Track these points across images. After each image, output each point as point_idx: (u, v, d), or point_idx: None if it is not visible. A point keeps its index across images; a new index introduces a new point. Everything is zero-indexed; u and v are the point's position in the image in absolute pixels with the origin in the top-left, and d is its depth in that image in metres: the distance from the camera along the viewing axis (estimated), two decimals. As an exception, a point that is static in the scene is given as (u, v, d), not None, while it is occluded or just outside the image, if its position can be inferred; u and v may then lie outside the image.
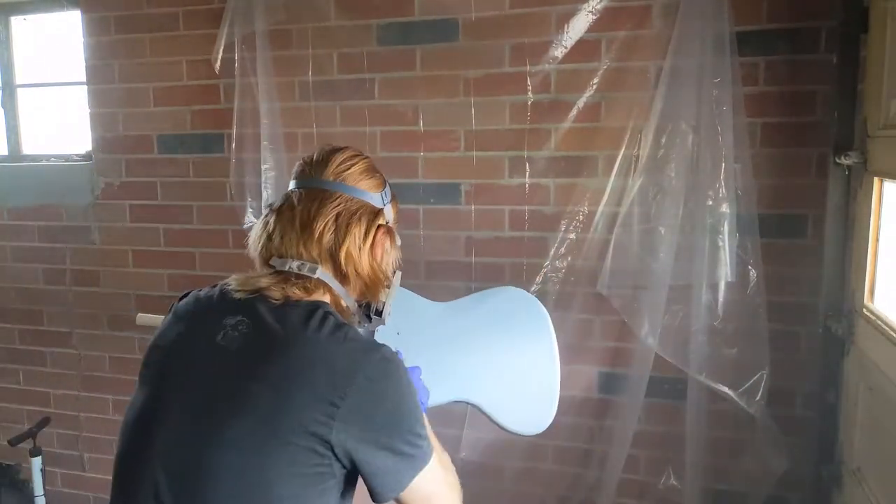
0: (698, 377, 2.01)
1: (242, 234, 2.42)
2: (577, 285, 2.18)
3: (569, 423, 2.21)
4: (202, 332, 0.98)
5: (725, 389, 1.99)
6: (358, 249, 1.04)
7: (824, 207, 1.89)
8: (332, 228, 1.03)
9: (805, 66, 1.94)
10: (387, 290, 1.13)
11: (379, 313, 1.13)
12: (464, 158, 2.26)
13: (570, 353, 2.15)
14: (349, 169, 1.08)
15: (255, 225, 1.09)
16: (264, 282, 1.00)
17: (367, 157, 1.13)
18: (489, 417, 1.48)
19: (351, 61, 2.32)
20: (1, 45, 2.87)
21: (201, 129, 2.54)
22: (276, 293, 0.98)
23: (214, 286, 1.06)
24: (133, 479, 0.94)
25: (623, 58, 2.07)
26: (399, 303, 1.18)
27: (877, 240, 1.71)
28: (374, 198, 1.09)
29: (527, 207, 2.22)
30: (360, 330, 1.08)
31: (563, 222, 2.18)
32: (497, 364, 1.50)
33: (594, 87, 2.11)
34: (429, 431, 1.09)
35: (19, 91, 2.92)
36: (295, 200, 1.05)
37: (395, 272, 1.16)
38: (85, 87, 2.66)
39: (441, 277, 2.31)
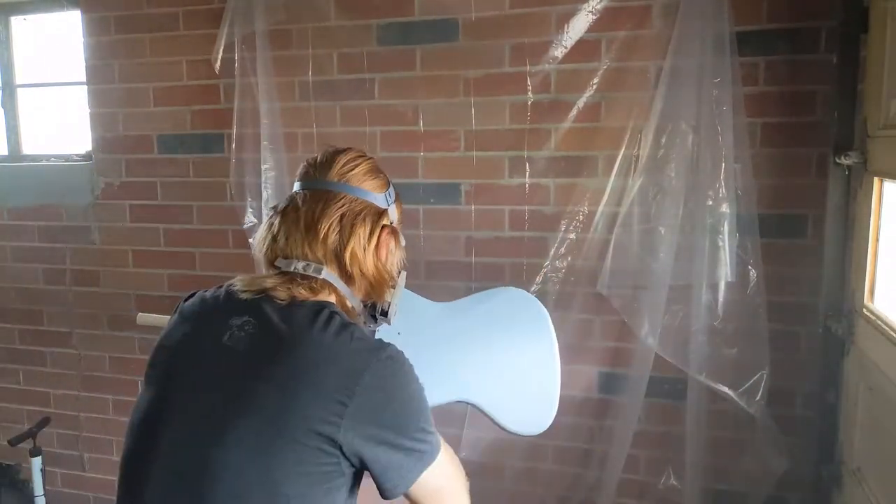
0: (698, 377, 2.01)
1: (242, 234, 2.43)
2: (577, 285, 2.18)
3: (569, 423, 2.21)
4: (208, 333, 0.98)
5: (725, 389, 1.99)
6: (363, 250, 1.04)
7: (824, 207, 1.89)
8: (337, 229, 1.03)
9: (805, 66, 1.94)
10: (392, 290, 1.13)
11: (384, 313, 1.14)
12: (464, 158, 2.26)
13: (570, 353, 2.15)
14: (353, 170, 1.08)
15: (260, 226, 1.09)
16: (270, 282, 1.00)
17: (371, 158, 1.13)
18: (489, 418, 1.48)
19: (351, 61, 2.32)
20: (1, 45, 2.87)
21: (201, 129, 2.54)
22: (281, 293, 0.98)
23: (220, 287, 1.06)
24: (139, 479, 0.94)
25: (623, 58, 2.07)
26: (399, 303, 1.18)
27: (877, 240, 1.71)
28: (379, 198, 1.09)
29: (527, 207, 2.23)
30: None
31: (563, 222, 2.18)
32: (497, 364, 1.50)
33: (594, 87, 2.11)
34: None
35: (19, 91, 2.92)
36: (300, 201, 1.05)
37: (400, 272, 1.16)
38: (85, 87, 2.66)
39: (441, 277, 2.31)
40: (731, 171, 1.95)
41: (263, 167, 2.35)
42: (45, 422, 2.45)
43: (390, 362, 0.93)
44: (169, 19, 2.50)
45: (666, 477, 2.18)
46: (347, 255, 1.03)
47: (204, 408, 0.92)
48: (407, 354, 0.98)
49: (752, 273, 1.98)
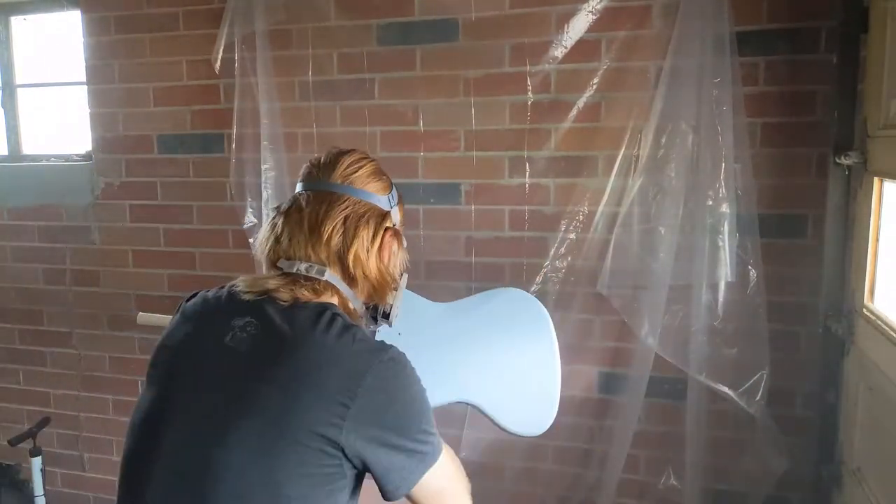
0: (698, 377, 2.01)
1: (242, 234, 2.43)
2: (577, 285, 2.18)
3: (569, 423, 2.21)
4: (210, 333, 0.98)
5: (725, 389, 1.99)
6: (366, 252, 1.04)
7: (824, 207, 1.89)
8: (341, 231, 1.03)
9: (805, 66, 1.94)
10: (394, 292, 1.14)
11: (386, 315, 1.14)
12: (464, 158, 2.26)
13: (570, 353, 2.15)
14: (357, 172, 1.08)
15: (262, 227, 1.09)
16: (273, 283, 1.00)
17: (374, 160, 1.13)
18: (490, 418, 1.48)
19: (351, 61, 2.32)
20: (1, 45, 2.87)
21: (201, 129, 2.54)
22: (284, 295, 0.98)
23: (222, 287, 1.06)
24: (140, 479, 0.94)
25: (623, 58, 2.07)
26: (401, 305, 1.18)
27: (877, 240, 1.71)
28: (382, 200, 1.09)
29: (527, 207, 2.22)
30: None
31: (563, 222, 2.18)
32: (497, 365, 1.50)
33: (594, 87, 2.11)
34: None
35: (19, 91, 2.92)
36: (303, 203, 1.05)
37: (402, 274, 1.16)
38: (85, 87, 2.66)
39: (441, 277, 2.31)
40: (731, 171, 1.95)
41: (263, 167, 2.35)
42: (45, 422, 2.45)
43: (392, 364, 0.93)
44: (169, 19, 2.50)
45: (666, 477, 2.18)
46: (350, 257, 1.03)
47: (206, 408, 0.92)
48: (407, 355, 0.98)
49: (752, 273, 1.98)
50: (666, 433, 2.16)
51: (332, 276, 1.03)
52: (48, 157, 2.85)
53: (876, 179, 1.69)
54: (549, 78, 2.15)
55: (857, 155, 1.73)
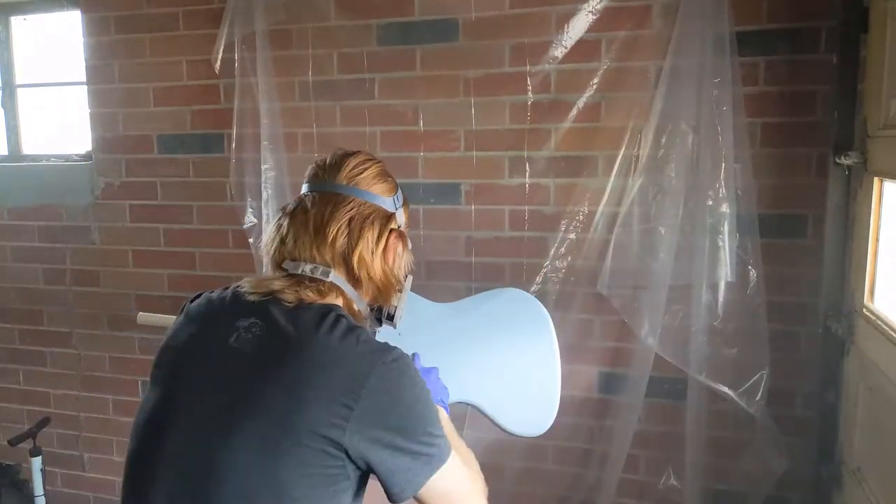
0: (698, 377, 2.01)
1: (242, 234, 2.43)
2: (577, 285, 2.18)
3: (569, 423, 2.21)
4: (214, 334, 0.99)
5: (725, 389, 1.99)
6: (371, 253, 1.04)
7: (824, 207, 1.89)
8: (346, 232, 1.03)
9: (805, 66, 1.94)
10: (399, 294, 1.14)
11: (391, 317, 1.14)
12: (464, 158, 2.26)
13: (570, 353, 2.15)
14: (362, 173, 1.08)
15: (268, 228, 1.09)
16: (277, 284, 1.00)
17: (379, 162, 1.13)
18: (490, 419, 1.48)
19: (351, 61, 2.32)
20: (1, 45, 2.87)
21: (201, 129, 2.54)
22: (289, 296, 0.98)
23: (227, 288, 1.06)
24: (144, 479, 0.94)
25: (623, 58, 2.07)
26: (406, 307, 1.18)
27: (877, 240, 1.71)
28: (387, 202, 1.09)
29: (527, 207, 2.23)
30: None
31: (563, 222, 2.18)
32: (498, 365, 1.50)
33: (594, 87, 2.11)
34: (451, 430, 1.11)
35: (19, 91, 2.92)
36: (308, 204, 1.06)
37: (406, 276, 1.16)
38: (85, 87, 2.66)
39: (441, 277, 2.31)
40: (731, 171, 1.95)
41: (263, 167, 2.35)
42: (45, 422, 2.45)
43: (396, 365, 0.93)
44: (169, 19, 2.50)
45: (666, 477, 2.18)
46: (355, 258, 1.03)
47: (210, 409, 0.92)
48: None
49: (752, 273, 1.98)
50: (666, 433, 2.16)
51: (336, 277, 1.03)
52: (48, 157, 2.85)
53: (876, 179, 1.69)
54: (549, 78, 2.15)
55: (857, 155, 1.73)
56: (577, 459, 2.27)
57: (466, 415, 2.23)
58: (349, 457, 0.89)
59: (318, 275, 1.01)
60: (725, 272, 1.98)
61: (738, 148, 1.94)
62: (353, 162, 1.09)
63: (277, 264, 1.05)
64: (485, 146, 2.24)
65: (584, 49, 2.10)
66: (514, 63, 2.17)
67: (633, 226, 2.08)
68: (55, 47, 2.84)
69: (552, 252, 2.20)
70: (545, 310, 1.60)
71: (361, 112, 2.33)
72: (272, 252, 1.06)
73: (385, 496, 0.96)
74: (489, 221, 2.27)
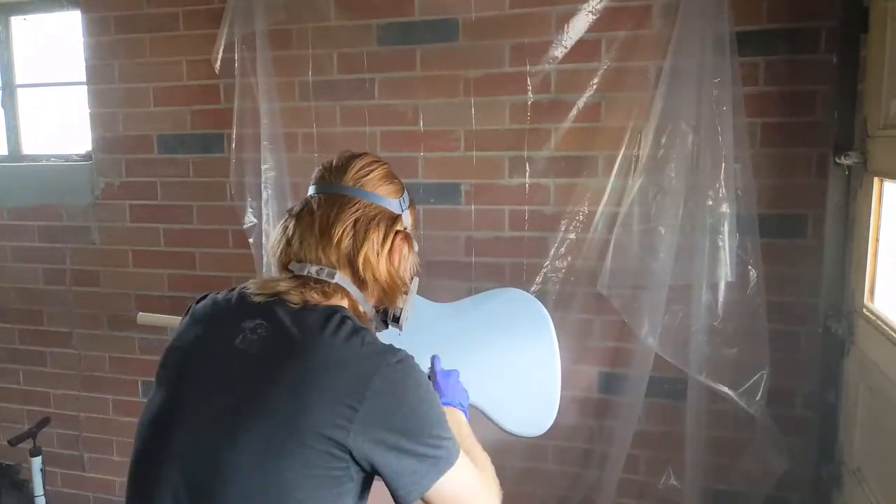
0: (698, 377, 2.01)
1: (242, 234, 2.43)
2: (577, 285, 2.18)
3: (569, 423, 2.21)
4: (220, 335, 0.99)
5: (725, 389, 1.99)
6: (376, 255, 1.04)
7: (824, 207, 1.89)
8: (351, 234, 1.03)
9: (805, 66, 1.94)
10: (404, 296, 1.14)
11: (396, 319, 1.14)
12: (464, 158, 2.26)
13: (570, 353, 2.15)
14: (368, 175, 1.08)
15: (274, 229, 1.09)
16: (283, 286, 1.00)
17: (385, 164, 1.13)
18: (490, 419, 1.48)
19: (351, 61, 2.32)
20: (1, 45, 2.87)
21: (201, 129, 2.54)
22: (294, 297, 0.98)
23: (232, 289, 1.07)
24: (149, 480, 0.94)
25: (623, 58, 2.07)
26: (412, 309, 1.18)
27: (877, 240, 1.71)
28: (393, 204, 1.09)
29: (527, 207, 2.23)
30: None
31: (563, 222, 2.18)
32: (498, 365, 1.50)
33: (594, 87, 2.11)
34: (468, 433, 1.13)
35: (19, 91, 2.92)
36: (314, 206, 1.06)
37: (412, 278, 1.16)
38: (85, 87, 2.66)
39: (441, 277, 2.31)
40: (731, 171, 1.95)
41: (263, 167, 2.35)
42: (45, 422, 2.45)
43: (400, 366, 0.93)
44: (169, 19, 2.50)
45: (666, 477, 2.18)
46: (361, 259, 1.03)
47: (215, 410, 0.92)
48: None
49: (752, 273, 1.98)
50: (666, 433, 2.16)
51: (342, 278, 1.03)
52: (48, 157, 2.85)
53: (876, 179, 1.69)
54: (549, 78, 2.15)
55: (857, 155, 1.73)
56: (577, 459, 2.27)
57: (466, 415, 2.23)
58: (354, 458, 0.89)
59: (323, 276, 1.01)
60: (725, 272, 1.98)
61: (738, 148, 1.94)
62: (359, 164, 1.09)
63: (284, 266, 1.05)
64: (485, 146, 2.24)
65: (584, 49, 2.10)
66: (514, 63, 2.17)
67: (633, 226, 2.08)
68: (55, 47, 2.84)
69: (552, 252, 2.20)
70: (545, 310, 1.60)
71: (361, 112, 2.33)
72: (278, 253, 1.06)
73: (389, 497, 0.96)
74: (489, 221, 2.27)
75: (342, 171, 1.08)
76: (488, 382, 1.48)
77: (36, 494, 2.43)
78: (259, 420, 0.89)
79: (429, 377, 1.31)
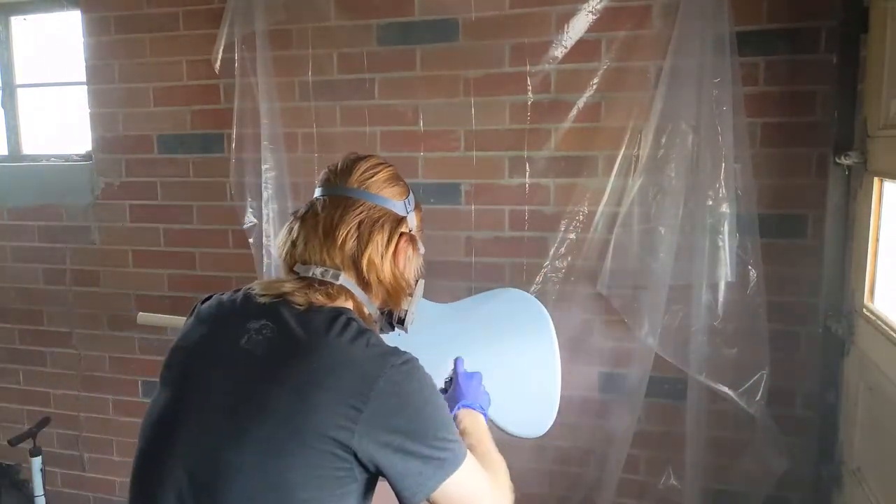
0: (698, 377, 2.01)
1: (242, 234, 2.43)
2: (577, 285, 2.18)
3: (569, 423, 2.21)
4: (225, 336, 0.99)
5: (725, 389, 1.99)
6: (380, 257, 1.05)
7: (824, 207, 1.89)
8: (355, 235, 1.04)
9: (805, 66, 1.94)
10: (409, 298, 1.14)
11: (401, 321, 1.14)
12: (464, 158, 2.26)
13: (570, 353, 2.15)
14: (373, 177, 1.09)
15: (280, 231, 1.10)
16: (288, 286, 1.01)
17: (391, 166, 1.13)
18: (490, 420, 1.47)
19: (351, 61, 2.32)
20: (1, 45, 2.87)
21: (201, 129, 2.54)
22: (299, 298, 0.99)
23: (237, 290, 1.07)
24: (153, 479, 0.94)
25: (623, 58, 2.07)
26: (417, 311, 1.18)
27: (877, 240, 1.71)
28: (398, 206, 1.09)
29: (527, 207, 2.22)
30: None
31: (563, 222, 2.18)
32: (498, 366, 1.50)
33: (594, 87, 2.11)
34: (486, 436, 1.13)
35: (19, 91, 2.92)
36: (319, 208, 1.06)
37: (417, 280, 1.17)
38: (85, 87, 2.66)
39: (441, 277, 2.31)
40: (731, 171, 1.95)
41: (263, 167, 2.35)
42: (45, 422, 2.45)
43: (405, 368, 0.93)
44: (169, 19, 2.50)
45: (666, 477, 2.18)
46: (364, 261, 1.03)
47: (220, 410, 0.93)
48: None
49: (752, 273, 1.98)
50: (666, 433, 2.16)
51: (346, 280, 1.03)
52: (48, 157, 2.85)
53: (876, 179, 1.69)
54: (549, 78, 2.15)
55: (857, 155, 1.73)
56: (577, 459, 2.27)
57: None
58: (358, 459, 0.89)
59: (328, 278, 1.02)
60: (725, 272, 1.98)
61: (738, 148, 1.94)
62: (363, 166, 1.10)
63: (289, 268, 1.06)
64: (485, 146, 2.24)
65: (584, 49, 2.10)
66: (514, 63, 2.17)
67: (633, 226, 2.08)
68: (55, 47, 2.84)
69: (552, 252, 2.20)
70: (545, 310, 1.60)
71: (361, 112, 2.33)
72: (284, 255, 1.07)
73: (393, 498, 0.96)
74: (489, 221, 2.27)
75: (347, 173, 1.09)
76: (488, 383, 1.47)
77: (36, 494, 2.43)
78: (263, 420, 0.89)
79: (451, 378, 1.32)
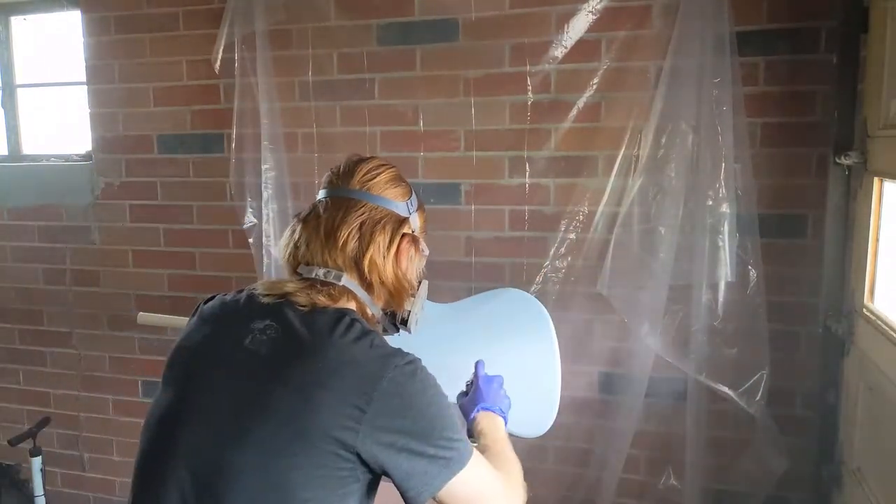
0: (698, 377, 2.01)
1: (242, 234, 2.43)
2: (577, 285, 2.18)
3: (569, 423, 2.21)
4: (228, 336, 0.99)
5: (725, 389, 1.99)
6: (382, 258, 1.05)
7: (824, 207, 1.89)
8: (357, 237, 1.04)
9: (805, 66, 1.94)
10: (412, 298, 1.14)
11: (405, 322, 1.14)
12: (464, 158, 2.26)
13: (570, 353, 2.15)
14: (375, 178, 1.09)
15: (284, 233, 1.10)
16: (291, 287, 1.01)
17: (393, 167, 1.13)
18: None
19: (351, 61, 2.32)
20: (1, 45, 2.87)
21: (201, 129, 2.54)
22: (301, 299, 0.99)
23: (241, 291, 1.07)
24: (155, 479, 0.94)
25: (623, 58, 2.07)
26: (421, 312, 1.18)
27: (877, 240, 1.71)
28: (400, 206, 1.09)
29: (527, 207, 2.22)
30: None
31: (563, 222, 2.18)
32: (498, 366, 1.50)
33: (594, 87, 2.11)
34: (504, 438, 1.15)
35: (19, 91, 2.92)
36: (321, 209, 1.07)
37: (420, 281, 1.17)
38: (85, 87, 2.66)
39: (441, 277, 2.31)
40: (731, 171, 1.95)
41: (263, 167, 2.35)
42: (45, 422, 2.45)
43: (409, 368, 0.93)
44: (169, 19, 2.50)
45: (666, 477, 2.18)
46: (366, 262, 1.04)
47: (223, 409, 0.93)
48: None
49: (752, 273, 1.98)
50: (666, 433, 2.16)
51: (348, 281, 1.03)
52: (48, 157, 2.85)
53: (876, 179, 1.69)
54: (549, 78, 2.15)
55: (857, 155, 1.73)
56: (577, 459, 2.27)
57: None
58: (361, 459, 0.89)
59: (330, 279, 1.02)
60: (725, 272, 1.98)
61: (738, 148, 1.94)
62: (366, 167, 1.10)
63: (293, 269, 1.06)
64: (485, 146, 2.24)
65: (584, 49, 2.10)
66: (514, 63, 2.17)
67: (633, 226, 2.08)
68: (55, 47, 2.84)
69: (552, 252, 2.20)
70: (545, 310, 1.60)
71: (361, 112, 2.33)
72: (287, 257, 1.07)
73: (397, 498, 0.96)
74: (489, 221, 2.27)
75: (349, 174, 1.09)
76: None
77: (36, 494, 2.43)
78: (266, 420, 0.89)
79: (471, 382, 1.32)
